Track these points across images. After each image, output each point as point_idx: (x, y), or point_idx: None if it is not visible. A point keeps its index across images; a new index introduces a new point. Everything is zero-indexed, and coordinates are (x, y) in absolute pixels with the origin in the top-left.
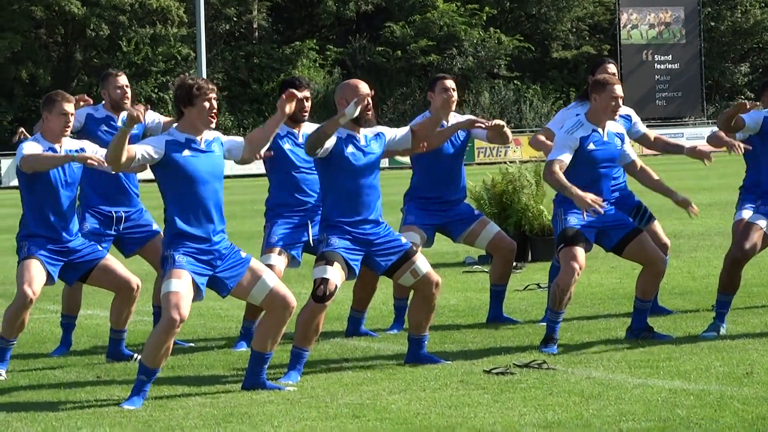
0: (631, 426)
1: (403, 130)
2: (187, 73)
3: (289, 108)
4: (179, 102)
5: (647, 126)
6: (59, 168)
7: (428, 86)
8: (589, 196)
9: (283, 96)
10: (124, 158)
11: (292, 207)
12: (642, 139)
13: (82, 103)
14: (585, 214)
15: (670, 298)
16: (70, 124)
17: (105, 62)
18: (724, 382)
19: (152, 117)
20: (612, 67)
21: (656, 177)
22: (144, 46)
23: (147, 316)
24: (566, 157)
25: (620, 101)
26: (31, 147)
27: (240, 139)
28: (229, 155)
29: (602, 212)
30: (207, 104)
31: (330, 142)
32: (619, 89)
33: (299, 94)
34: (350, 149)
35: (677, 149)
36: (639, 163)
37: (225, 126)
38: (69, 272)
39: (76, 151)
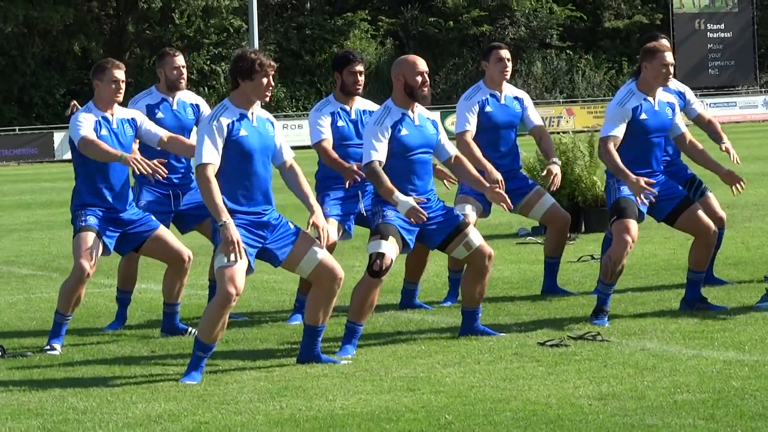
0: (686, 398)
1: (449, 147)
2: (245, 47)
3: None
4: (237, 74)
5: (701, 96)
6: (112, 135)
7: (482, 56)
8: (642, 181)
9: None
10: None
11: (342, 179)
12: (697, 120)
13: (74, 110)
14: (638, 199)
15: (725, 268)
16: (122, 91)
17: (157, 35)
18: None
19: (148, 126)
20: (665, 41)
21: (702, 149)
22: (196, 18)
23: (201, 289)
24: (620, 131)
25: (671, 68)
26: (83, 121)
27: (289, 151)
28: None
29: (654, 199)
30: (265, 80)
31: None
32: (669, 56)
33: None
34: (404, 131)
35: (709, 163)
36: (688, 136)
37: (278, 97)
38: (123, 243)
39: (129, 120)
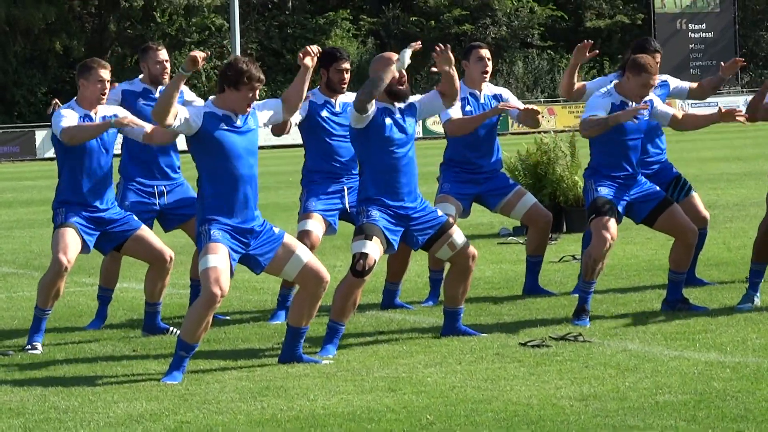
0: (668, 399)
1: (430, 94)
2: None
3: (310, 61)
4: (224, 81)
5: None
6: None
7: (462, 55)
8: (631, 106)
9: (300, 54)
10: (171, 113)
11: (328, 174)
12: (692, 92)
13: (56, 108)
14: (635, 118)
15: (706, 269)
16: (107, 92)
17: (139, 33)
18: (760, 354)
19: (138, 123)
20: (658, 56)
21: (696, 113)
22: (178, 16)
23: (183, 289)
24: (601, 113)
25: (651, 90)
26: (67, 114)
27: (275, 100)
28: (274, 118)
29: (646, 114)
30: (250, 94)
31: (372, 109)
32: (654, 79)
33: (313, 53)
34: (388, 121)
35: (710, 118)
36: (679, 114)
37: (260, 96)
38: (104, 242)
39: (111, 117)
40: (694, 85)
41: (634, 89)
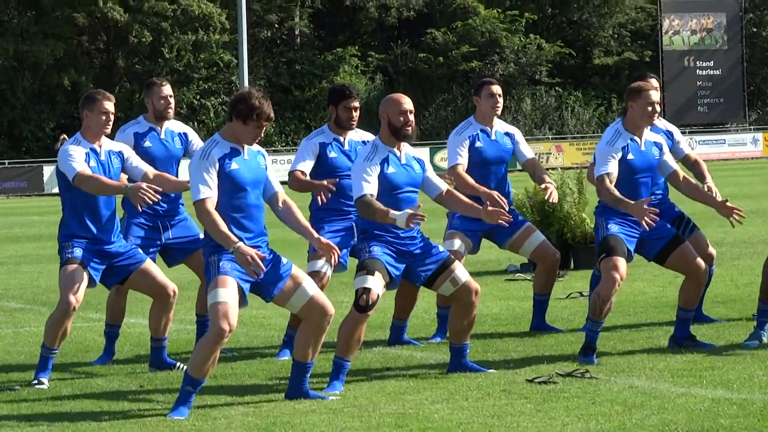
0: None
1: (439, 182)
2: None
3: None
4: (234, 113)
5: (690, 133)
6: (100, 167)
7: (473, 91)
8: (646, 205)
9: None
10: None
11: (337, 212)
12: (684, 160)
13: (63, 143)
14: (644, 223)
15: (713, 306)
16: (110, 123)
17: (147, 69)
18: (767, 391)
19: (134, 162)
20: (653, 80)
21: (696, 183)
22: (186, 52)
23: (189, 324)
24: (613, 168)
25: (657, 107)
26: (75, 154)
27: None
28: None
29: (655, 224)
30: (257, 130)
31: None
32: (655, 95)
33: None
34: (390, 169)
35: (706, 198)
36: (681, 173)
37: (267, 132)
38: (109, 275)
39: (117, 153)
40: (692, 156)
41: (641, 114)
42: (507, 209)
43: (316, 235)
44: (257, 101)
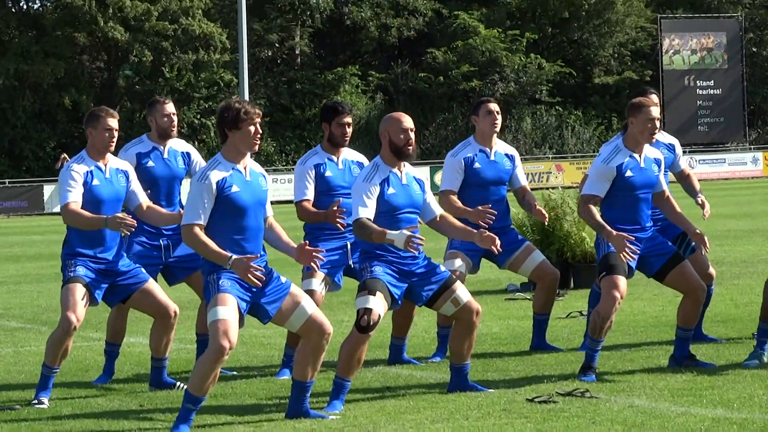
0: None
1: (434, 207)
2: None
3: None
4: (224, 125)
5: (690, 152)
6: (104, 184)
7: (472, 110)
8: (625, 237)
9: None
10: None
11: (331, 230)
12: (679, 174)
13: (64, 163)
14: (622, 256)
15: (713, 325)
16: (114, 140)
17: (148, 88)
18: (767, 410)
19: (135, 188)
20: (653, 96)
21: (678, 210)
22: (187, 72)
23: (189, 344)
24: (601, 190)
25: (657, 123)
26: (74, 183)
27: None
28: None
29: (635, 257)
30: (252, 129)
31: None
32: (655, 111)
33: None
34: (390, 190)
35: (683, 222)
36: (667, 193)
37: (267, 152)
38: (111, 295)
39: (123, 171)
40: (687, 171)
41: (641, 130)
42: (494, 216)
43: (295, 245)
44: (237, 103)
